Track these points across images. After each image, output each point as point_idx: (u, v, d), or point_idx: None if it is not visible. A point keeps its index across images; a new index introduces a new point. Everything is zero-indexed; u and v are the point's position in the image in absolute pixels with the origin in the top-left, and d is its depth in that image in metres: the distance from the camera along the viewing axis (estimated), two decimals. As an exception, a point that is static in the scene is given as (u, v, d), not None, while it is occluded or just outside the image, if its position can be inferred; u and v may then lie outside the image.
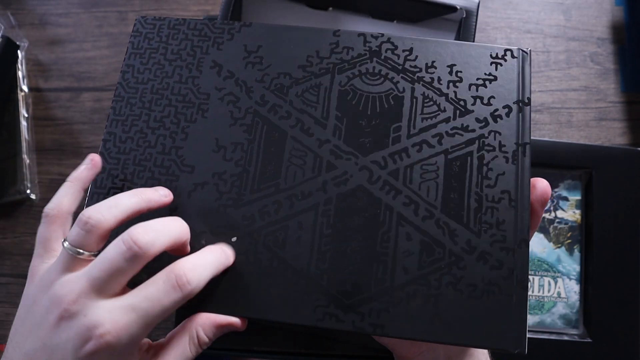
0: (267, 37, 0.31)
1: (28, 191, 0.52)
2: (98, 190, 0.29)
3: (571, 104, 0.52)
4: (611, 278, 0.41)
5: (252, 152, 0.29)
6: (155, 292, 0.23)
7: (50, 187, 0.53)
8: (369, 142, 0.28)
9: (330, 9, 0.46)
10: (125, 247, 0.23)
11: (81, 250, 0.24)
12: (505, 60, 0.29)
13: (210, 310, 0.27)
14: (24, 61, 0.56)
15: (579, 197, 0.44)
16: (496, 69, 0.29)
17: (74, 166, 0.55)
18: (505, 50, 0.29)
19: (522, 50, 0.29)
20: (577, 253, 0.43)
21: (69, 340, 0.22)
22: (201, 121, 0.30)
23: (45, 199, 0.52)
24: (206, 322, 0.26)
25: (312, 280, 0.26)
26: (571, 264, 0.43)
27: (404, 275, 0.26)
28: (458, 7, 0.42)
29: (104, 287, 0.23)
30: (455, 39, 0.44)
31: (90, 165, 0.28)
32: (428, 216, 0.27)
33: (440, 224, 0.27)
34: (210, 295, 0.27)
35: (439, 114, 0.29)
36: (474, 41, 0.42)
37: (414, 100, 0.29)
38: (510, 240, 0.26)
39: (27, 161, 0.53)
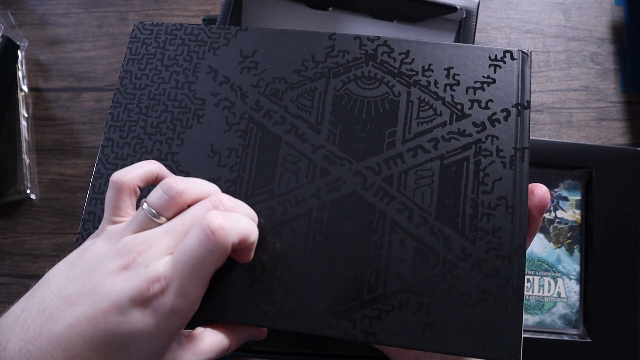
0: (263, 41, 0.31)
1: (28, 191, 0.52)
2: (96, 196, 0.29)
3: (571, 104, 0.52)
4: (611, 278, 0.41)
5: (246, 157, 0.29)
6: (190, 242, 0.22)
7: (50, 187, 0.53)
8: (364, 147, 0.28)
9: (330, 9, 0.46)
10: (202, 231, 0.22)
11: (158, 214, 0.24)
12: (505, 63, 0.29)
13: (203, 316, 0.26)
14: (24, 61, 0.56)
15: (579, 197, 0.44)
16: (495, 72, 0.28)
17: (74, 166, 0.55)
18: (505, 52, 0.29)
19: (522, 52, 0.29)
20: (577, 253, 0.43)
21: (125, 289, 0.22)
22: (197, 127, 0.30)
23: (45, 198, 0.52)
24: (239, 329, 0.27)
25: (304, 287, 0.26)
26: (571, 264, 0.43)
27: (396, 283, 0.26)
28: (458, 7, 0.42)
29: (193, 269, 0.23)
30: (455, 39, 0.44)
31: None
32: (422, 223, 0.27)
33: (435, 230, 0.26)
34: (202, 301, 0.26)
35: (435, 118, 0.28)
36: (474, 41, 0.42)
37: (410, 104, 0.28)
38: (506, 248, 0.26)
39: (27, 161, 0.53)
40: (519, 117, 0.28)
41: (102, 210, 0.29)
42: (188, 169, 0.29)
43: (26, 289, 0.51)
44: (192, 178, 0.26)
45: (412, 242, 0.26)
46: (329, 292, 0.26)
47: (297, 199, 0.28)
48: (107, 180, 0.29)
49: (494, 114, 0.28)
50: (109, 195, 0.26)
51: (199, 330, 0.26)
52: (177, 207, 0.24)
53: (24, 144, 0.53)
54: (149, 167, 0.26)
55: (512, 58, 0.29)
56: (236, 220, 0.23)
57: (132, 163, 0.29)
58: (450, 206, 0.27)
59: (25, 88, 0.55)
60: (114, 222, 0.26)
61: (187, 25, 0.32)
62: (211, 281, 0.26)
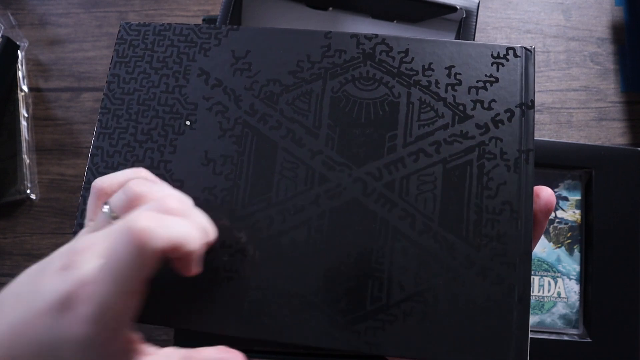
0: (256, 41, 0.29)
1: (28, 191, 0.52)
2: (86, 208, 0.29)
3: (571, 104, 0.52)
4: (611, 278, 0.41)
5: (242, 165, 0.27)
6: (113, 243, 0.20)
7: (51, 187, 0.53)
8: (363, 152, 0.27)
9: (330, 9, 0.46)
10: (121, 233, 0.21)
11: (117, 216, 0.23)
12: (507, 60, 0.27)
13: (203, 329, 0.26)
14: (24, 61, 0.56)
15: (579, 197, 0.44)
16: (497, 70, 0.27)
17: (74, 166, 0.55)
18: (507, 49, 0.28)
19: (526, 49, 0.28)
20: (577, 253, 0.43)
21: (57, 292, 0.21)
22: (189, 133, 0.28)
23: (45, 198, 0.52)
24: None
25: (306, 298, 0.26)
26: (571, 264, 0.43)
27: (399, 292, 0.25)
28: (458, 7, 0.42)
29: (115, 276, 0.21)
30: (455, 39, 0.44)
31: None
32: (425, 230, 0.26)
33: (438, 237, 0.26)
34: (200, 312, 0.26)
35: (436, 120, 0.27)
36: (473, 41, 0.42)
37: (410, 106, 0.27)
38: (511, 254, 0.25)
39: (27, 161, 0.53)
40: (523, 118, 0.27)
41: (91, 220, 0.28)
42: (182, 178, 0.28)
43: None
44: (162, 185, 0.25)
45: (415, 250, 0.26)
46: (331, 303, 0.25)
47: (296, 207, 0.27)
48: None
49: (498, 114, 0.27)
50: (89, 200, 0.25)
51: (151, 349, 0.23)
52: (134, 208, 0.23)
53: (24, 144, 0.53)
54: (132, 174, 0.25)
55: (515, 55, 0.28)
56: (169, 224, 0.21)
57: None
58: (453, 212, 0.26)
59: (25, 88, 0.55)
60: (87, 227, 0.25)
61: (175, 25, 0.30)
62: (209, 294, 0.25)
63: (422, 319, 0.25)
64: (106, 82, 0.30)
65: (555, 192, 0.44)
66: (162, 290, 0.26)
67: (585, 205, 0.43)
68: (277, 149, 0.28)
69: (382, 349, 0.25)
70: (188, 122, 0.27)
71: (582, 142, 0.50)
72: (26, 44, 0.56)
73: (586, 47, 0.54)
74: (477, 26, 0.43)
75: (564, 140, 0.49)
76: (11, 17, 0.56)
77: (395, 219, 0.26)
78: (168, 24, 0.31)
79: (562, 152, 0.43)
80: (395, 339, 0.25)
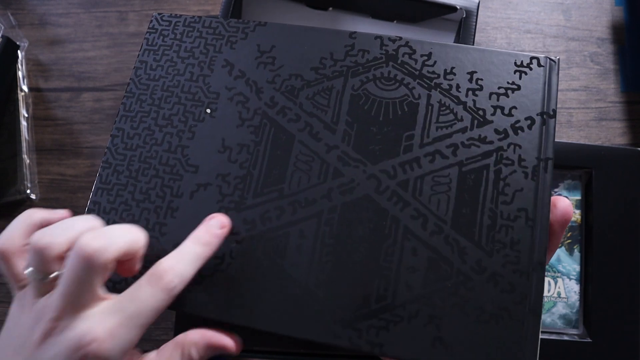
0: (282, 37, 0.30)
1: (28, 191, 0.52)
2: (103, 186, 0.29)
3: (571, 104, 0.52)
4: (611, 278, 0.41)
5: (257, 154, 0.28)
6: (141, 293, 0.23)
7: (51, 187, 0.53)
8: (379, 149, 0.27)
9: (330, 9, 0.46)
10: (77, 259, 0.22)
11: (41, 275, 0.23)
12: (531, 69, 0.27)
13: (204, 314, 0.26)
14: (24, 61, 0.55)
15: (579, 197, 0.44)
16: (520, 78, 0.27)
17: (74, 166, 0.56)
18: (532, 58, 0.28)
19: (550, 59, 0.28)
20: (577, 253, 0.43)
21: (57, 355, 0.22)
22: (209, 120, 0.29)
23: (45, 199, 0.52)
24: (200, 341, 0.25)
25: (310, 292, 0.25)
26: (571, 264, 0.43)
27: (407, 293, 0.25)
28: (458, 7, 0.42)
29: (79, 300, 0.22)
30: (455, 39, 0.44)
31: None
32: (437, 231, 0.25)
33: (450, 240, 0.25)
34: (204, 300, 0.26)
35: (455, 123, 0.27)
36: (474, 42, 0.42)
37: (430, 107, 0.27)
38: (524, 263, 0.24)
39: (27, 161, 0.53)
40: (544, 126, 0.26)
41: (108, 201, 0.29)
42: (197, 163, 0.28)
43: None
44: (63, 221, 0.24)
45: (426, 250, 0.25)
46: (335, 299, 0.25)
47: (307, 199, 0.27)
48: (115, 171, 0.29)
49: (518, 121, 0.27)
50: (1, 269, 0.26)
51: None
52: (52, 261, 0.24)
53: (24, 144, 0.53)
54: (25, 222, 0.26)
55: (539, 65, 0.28)
56: (112, 234, 0.23)
57: (141, 154, 0.29)
58: (467, 215, 0.25)
59: (25, 88, 0.55)
60: (21, 288, 0.25)
61: (205, 17, 0.32)
62: (213, 281, 0.25)
63: (428, 322, 0.24)
64: (133, 67, 0.31)
65: (555, 192, 0.44)
66: None
67: (585, 205, 0.43)
68: (294, 142, 0.28)
69: (385, 350, 0.24)
70: (209, 110, 0.28)
71: (582, 142, 0.50)
72: (26, 44, 0.56)
73: (586, 47, 0.54)
74: (477, 26, 0.43)
75: (564, 140, 0.49)
76: (11, 17, 0.56)
77: (407, 218, 0.26)
78: (198, 16, 0.32)
79: (562, 152, 0.43)
80: (399, 340, 0.24)
